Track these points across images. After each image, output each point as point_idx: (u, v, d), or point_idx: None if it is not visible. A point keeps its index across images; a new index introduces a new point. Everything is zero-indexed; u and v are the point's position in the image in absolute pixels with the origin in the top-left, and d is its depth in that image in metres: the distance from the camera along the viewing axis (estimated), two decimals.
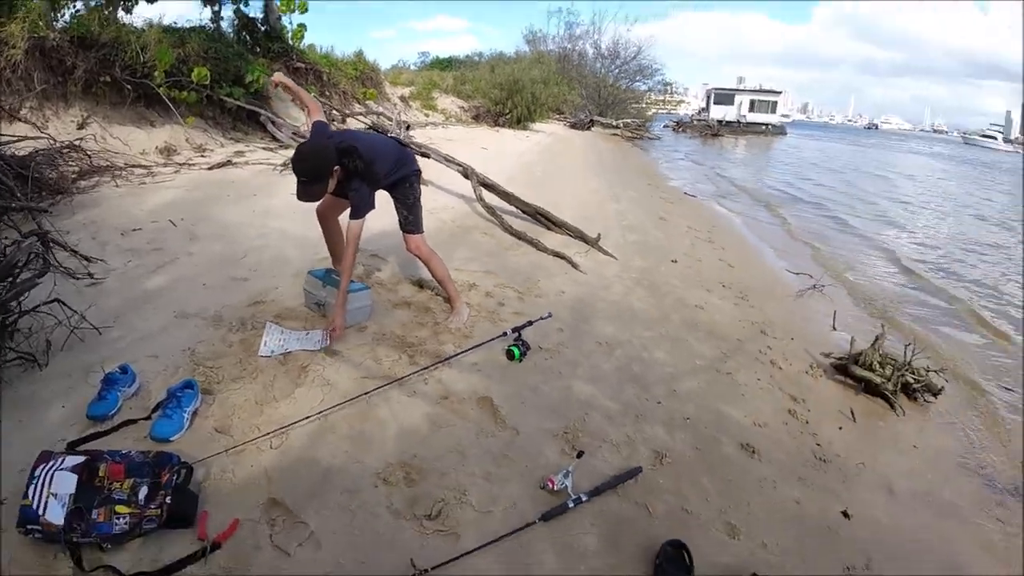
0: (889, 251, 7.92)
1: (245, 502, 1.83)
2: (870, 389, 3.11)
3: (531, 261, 4.64)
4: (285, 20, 10.15)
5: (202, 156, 6.72)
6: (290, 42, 10.18)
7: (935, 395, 3.15)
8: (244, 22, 9.39)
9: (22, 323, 2.61)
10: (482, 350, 2.92)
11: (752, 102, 40.86)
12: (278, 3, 9.30)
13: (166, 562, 1.61)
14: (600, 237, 5.24)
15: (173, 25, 7.84)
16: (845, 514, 2.21)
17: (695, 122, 38.13)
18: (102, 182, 5.02)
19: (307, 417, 2.25)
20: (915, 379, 3.10)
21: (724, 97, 41.45)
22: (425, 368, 2.71)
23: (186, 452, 2.01)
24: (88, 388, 2.34)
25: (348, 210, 3.14)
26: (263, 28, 9.72)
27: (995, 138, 63.29)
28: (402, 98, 16.75)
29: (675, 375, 3.01)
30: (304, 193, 2.68)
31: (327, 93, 11.23)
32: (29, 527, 1.61)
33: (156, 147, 6.48)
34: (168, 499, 1.71)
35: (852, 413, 2.92)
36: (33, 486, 1.66)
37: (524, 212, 5.70)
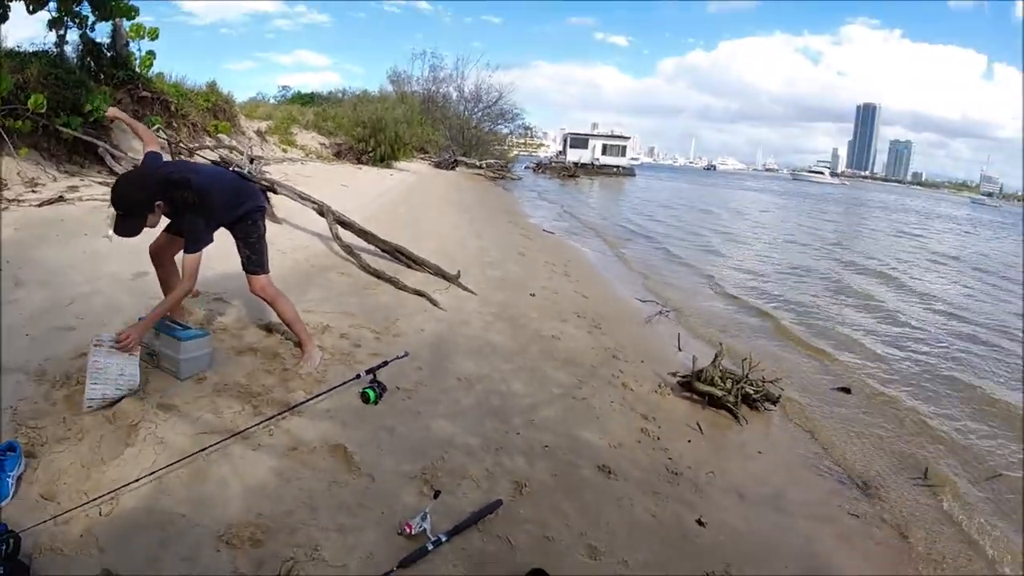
0: (710, 278, 8.89)
1: (81, 572, 1.68)
2: (714, 402, 3.42)
3: (390, 300, 4.54)
4: (133, 47, 9.30)
5: (33, 191, 5.82)
6: (137, 70, 9.32)
7: (774, 403, 3.54)
8: (89, 47, 8.46)
9: None
10: (335, 395, 2.77)
11: (604, 146, 44.55)
12: (127, 29, 8.53)
13: None
14: (460, 274, 5.29)
15: (16, 49, 6.87)
16: (700, 522, 2.37)
17: (553, 164, 40.46)
18: None
19: (137, 479, 2.02)
20: (754, 390, 3.47)
21: (579, 141, 44.72)
22: (270, 418, 2.51)
23: (12, 520, 1.79)
24: None
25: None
26: (109, 54, 8.82)
27: (822, 172, 74.76)
28: (258, 132, 15.88)
29: (533, 405, 3.08)
30: (121, 227, 2.46)
31: (175, 124, 10.31)
32: None
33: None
34: (2, 573, 1.61)
35: (699, 426, 3.17)
36: None
37: (383, 250, 5.60)
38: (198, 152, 8.49)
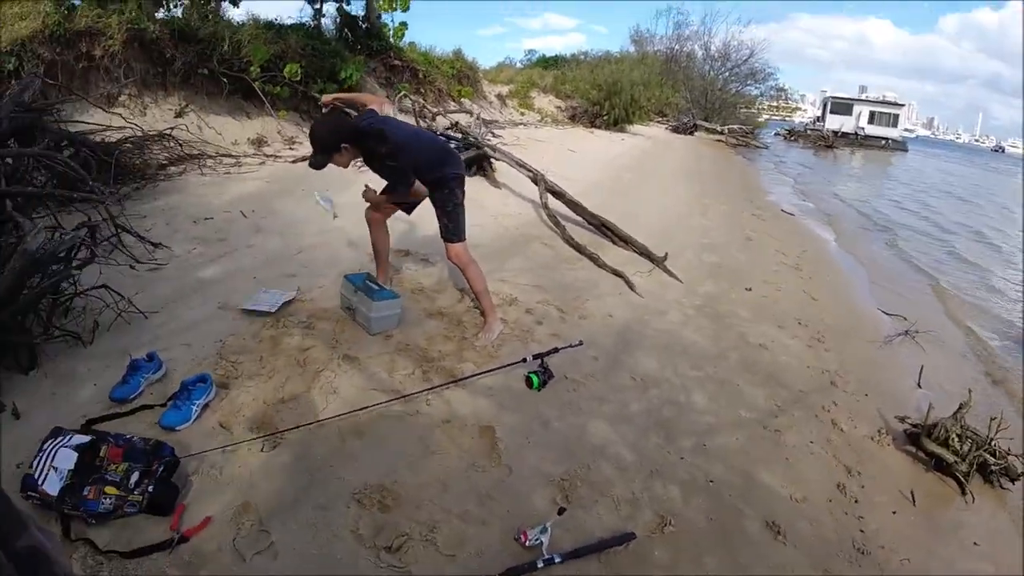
0: (998, 293, 6.91)
1: (223, 501, 1.87)
2: (942, 467, 2.64)
3: (586, 278, 4.41)
4: (387, 18, 10.47)
5: (291, 148, 7.02)
6: (389, 40, 10.47)
7: (1013, 480, 2.61)
8: (346, 20, 9.75)
9: (77, 303, 2.81)
10: (501, 374, 2.77)
11: (872, 114, 37.22)
12: (379, 1, 9.59)
13: (137, 546, 1.69)
14: (667, 256, 4.90)
15: (275, 21, 8.26)
16: None
17: (808, 132, 35.45)
18: (189, 170, 5.35)
19: (299, 425, 2.23)
20: (995, 460, 2.59)
21: (841, 107, 38.14)
22: (434, 387, 2.61)
23: (187, 443, 2.09)
24: (122, 371, 2.45)
25: (397, 212, 3.22)
26: (363, 26, 10.03)
27: None
28: (499, 96, 16.82)
29: (712, 427, 2.70)
30: (313, 162, 2.82)
31: (422, 90, 11.45)
32: (29, 493, 1.77)
33: (248, 138, 6.84)
34: (151, 488, 1.82)
35: (912, 495, 2.47)
36: (39, 458, 1.83)
37: (590, 223, 5.46)
38: (439, 115, 9.22)
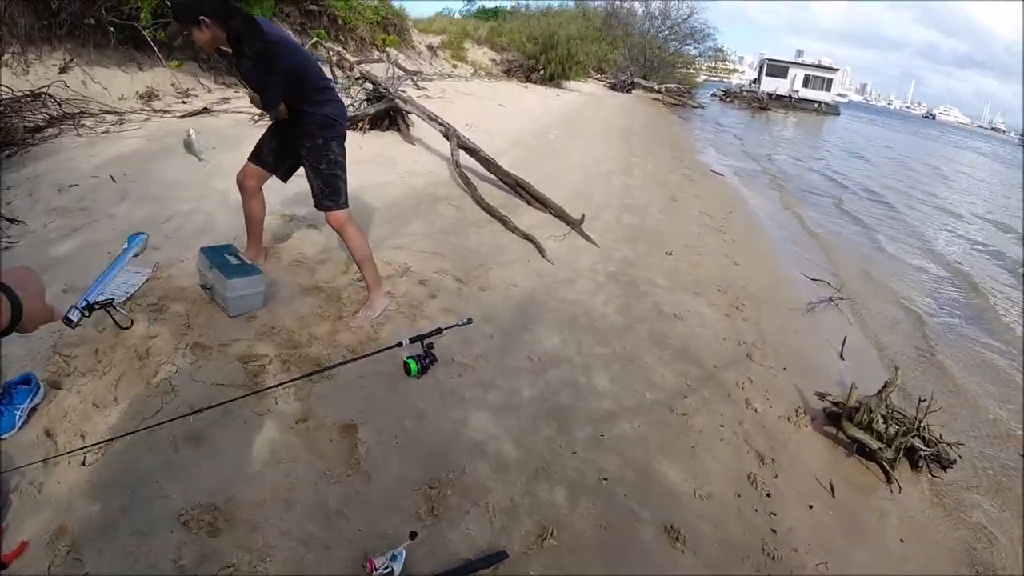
0: (936, 255, 7.01)
1: (40, 522, 1.61)
2: (865, 452, 2.45)
3: (493, 242, 4.04)
4: None
5: (183, 103, 6.20)
6: None
7: (944, 468, 2.46)
8: None
9: None
10: (374, 360, 2.37)
11: (806, 77, 38.13)
12: None
13: None
14: (583, 219, 4.58)
15: None
16: None
17: (744, 93, 35.96)
18: (66, 131, 4.57)
19: (130, 432, 1.85)
20: (924, 445, 2.42)
21: (777, 69, 38.83)
22: (292, 380, 2.20)
23: (10, 454, 1.78)
24: None
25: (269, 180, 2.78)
26: None
27: None
28: (429, 47, 15.88)
29: (612, 412, 2.42)
30: (169, 30, 2.50)
31: (342, 38, 10.54)
32: None
33: (137, 92, 5.97)
34: None
35: (831, 486, 2.27)
36: None
37: (504, 183, 5.05)
38: (359, 64, 8.46)
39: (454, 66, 16.09)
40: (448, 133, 5.27)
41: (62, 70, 5.46)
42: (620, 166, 7.99)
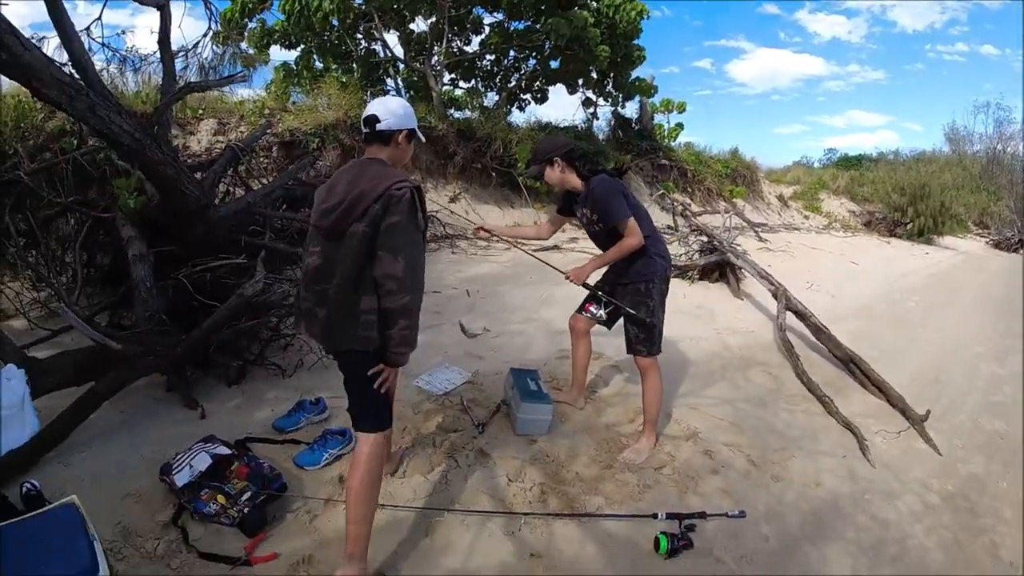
0: None
1: (297, 545, 2.00)
2: None
3: (806, 425, 3.51)
4: (661, 120, 10.78)
5: (539, 240, 7.52)
6: (660, 140, 10.79)
7: None
8: (619, 121, 10.43)
9: (298, 341, 3.47)
10: (627, 523, 2.30)
11: None
12: (653, 104, 10.06)
13: (213, 551, 1.92)
14: (928, 415, 3.65)
15: (549, 123, 9.14)
16: None
17: None
18: (442, 247, 6.03)
19: (385, 505, 2.19)
20: None
21: None
22: (543, 514, 2.30)
23: (306, 484, 2.32)
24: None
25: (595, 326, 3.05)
26: (636, 127, 10.59)
27: None
28: (780, 197, 15.55)
29: None
30: (527, 171, 2.97)
31: (689, 189, 11.29)
32: (163, 477, 2.18)
33: (507, 225, 7.53)
34: (246, 509, 2.04)
35: None
36: (185, 453, 2.22)
37: (835, 356, 4.45)
38: (695, 217, 8.89)
39: (805, 217, 15.33)
40: (776, 293, 4.98)
41: (452, 199, 7.24)
42: (993, 350, 6.13)
